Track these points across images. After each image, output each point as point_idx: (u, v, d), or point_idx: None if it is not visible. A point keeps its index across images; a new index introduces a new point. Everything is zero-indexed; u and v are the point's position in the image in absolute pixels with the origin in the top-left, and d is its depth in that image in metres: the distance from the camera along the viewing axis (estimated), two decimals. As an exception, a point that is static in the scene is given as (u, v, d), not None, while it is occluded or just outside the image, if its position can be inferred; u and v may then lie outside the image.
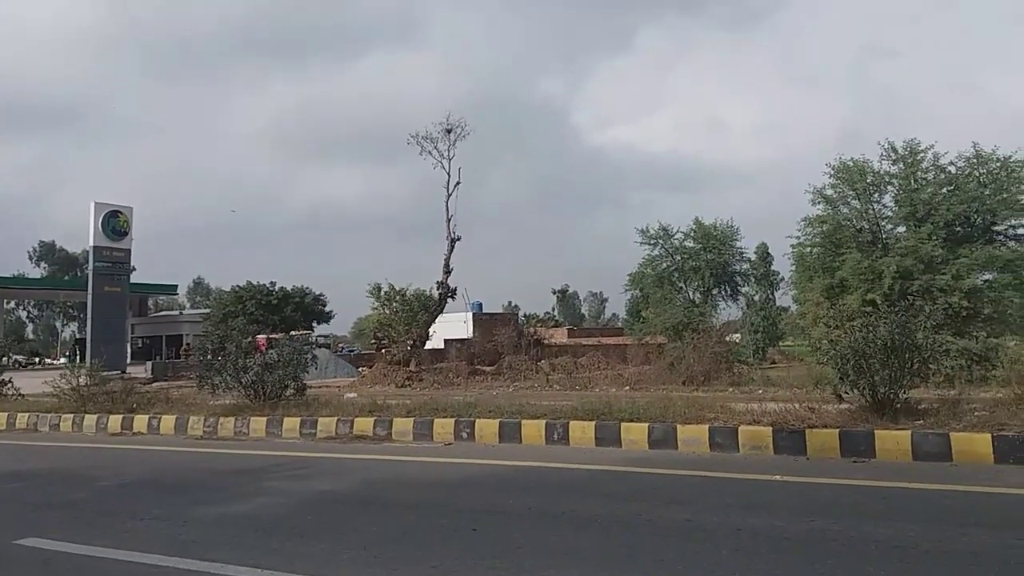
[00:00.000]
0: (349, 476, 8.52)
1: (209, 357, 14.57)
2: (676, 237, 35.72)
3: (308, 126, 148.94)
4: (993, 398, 9.69)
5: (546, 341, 31.52)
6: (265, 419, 12.09)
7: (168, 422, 12.85)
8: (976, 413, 8.66)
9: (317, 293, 50.18)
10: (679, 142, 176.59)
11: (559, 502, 6.66)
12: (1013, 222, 21.04)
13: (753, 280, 42.61)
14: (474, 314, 36.20)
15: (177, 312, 66.81)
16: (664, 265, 35.64)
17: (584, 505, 6.50)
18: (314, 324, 48.64)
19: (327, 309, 51.37)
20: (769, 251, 44.18)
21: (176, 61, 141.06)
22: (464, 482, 7.94)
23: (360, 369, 29.71)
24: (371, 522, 6.22)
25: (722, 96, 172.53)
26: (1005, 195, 20.59)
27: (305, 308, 47.96)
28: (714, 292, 36.20)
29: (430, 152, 25.91)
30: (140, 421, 13.07)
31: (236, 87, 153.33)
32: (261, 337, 20.50)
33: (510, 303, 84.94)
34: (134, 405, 14.30)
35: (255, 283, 47.16)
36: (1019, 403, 8.73)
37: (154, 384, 23.46)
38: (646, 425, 9.45)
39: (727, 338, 25.00)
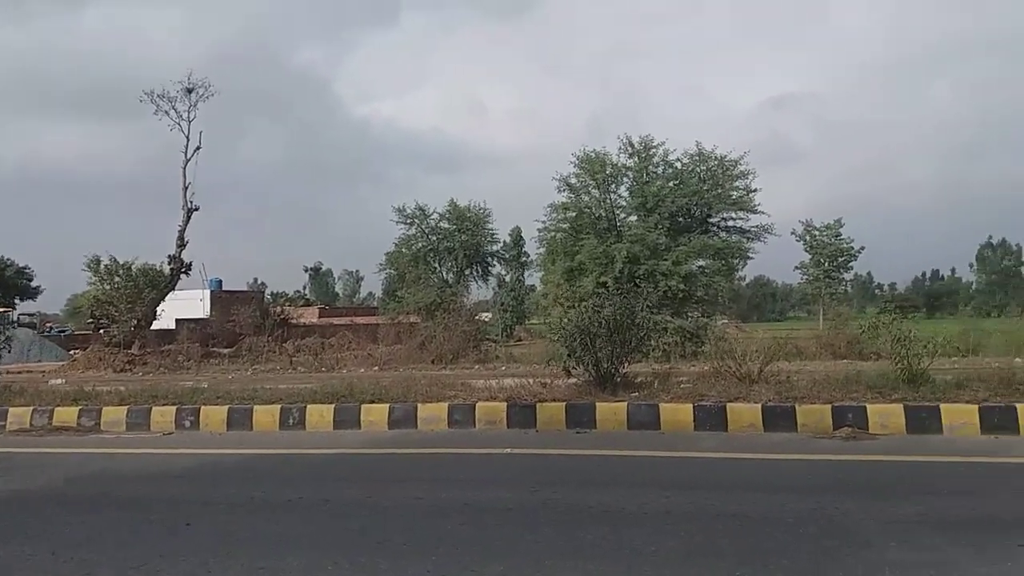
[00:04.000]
0: (43, 472, 7.39)
1: None
2: (432, 217, 36.04)
3: (21, 74, 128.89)
4: (698, 371, 10.83)
5: (293, 321, 30.21)
6: (-63, 410, 10.16)
7: None
8: (683, 385, 9.62)
9: (21, 265, 43.61)
10: (441, 121, 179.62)
11: (285, 490, 6.27)
12: (725, 215, 24.02)
13: (504, 261, 44.42)
14: (212, 292, 33.55)
15: None
16: (419, 245, 35.85)
17: (313, 491, 6.18)
18: (16, 300, 42.26)
19: (34, 284, 44.94)
20: (522, 234, 46.30)
21: None
22: (180, 474, 7.22)
23: (72, 352, 26.21)
24: (66, 522, 5.43)
25: (483, 80, 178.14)
26: (720, 190, 23.41)
27: (5, 282, 41.53)
28: (467, 272, 37.12)
29: (167, 112, 23.31)
30: None
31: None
32: (-58, 315, 17.26)
33: (256, 280, 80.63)
34: None
35: (-62, 252, 39.94)
36: (717, 376, 9.83)
37: None
38: (387, 406, 9.32)
39: (477, 317, 25.75)
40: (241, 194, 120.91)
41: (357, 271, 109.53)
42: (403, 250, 35.98)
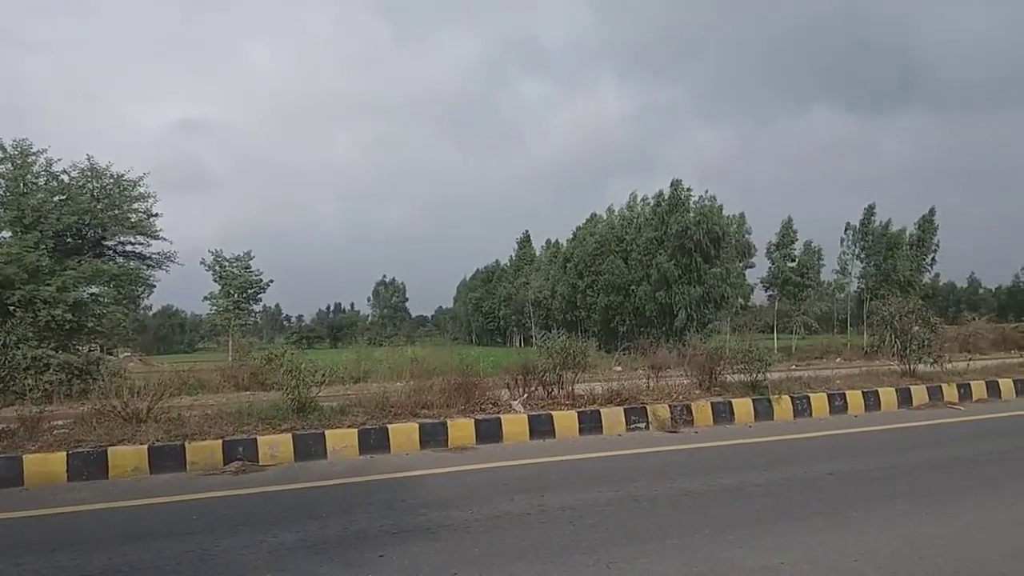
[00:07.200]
0: None
1: None
2: None
3: None
4: (79, 413, 9.57)
5: None
6: None
7: None
8: (58, 431, 8.36)
9: None
10: None
11: None
12: (122, 238, 21.98)
13: None
14: None
15: None
16: None
17: None
18: None
19: None
20: None
21: None
22: None
23: None
24: None
25: None
26: (117, 211, 21.30)
27: None
28: None
29: None
30: None
31: None
32: None
33: None
34: None
35: None
36: (101, 417, 8.82)
37: None
38: None
39: None
40: None
41: None
42: None
